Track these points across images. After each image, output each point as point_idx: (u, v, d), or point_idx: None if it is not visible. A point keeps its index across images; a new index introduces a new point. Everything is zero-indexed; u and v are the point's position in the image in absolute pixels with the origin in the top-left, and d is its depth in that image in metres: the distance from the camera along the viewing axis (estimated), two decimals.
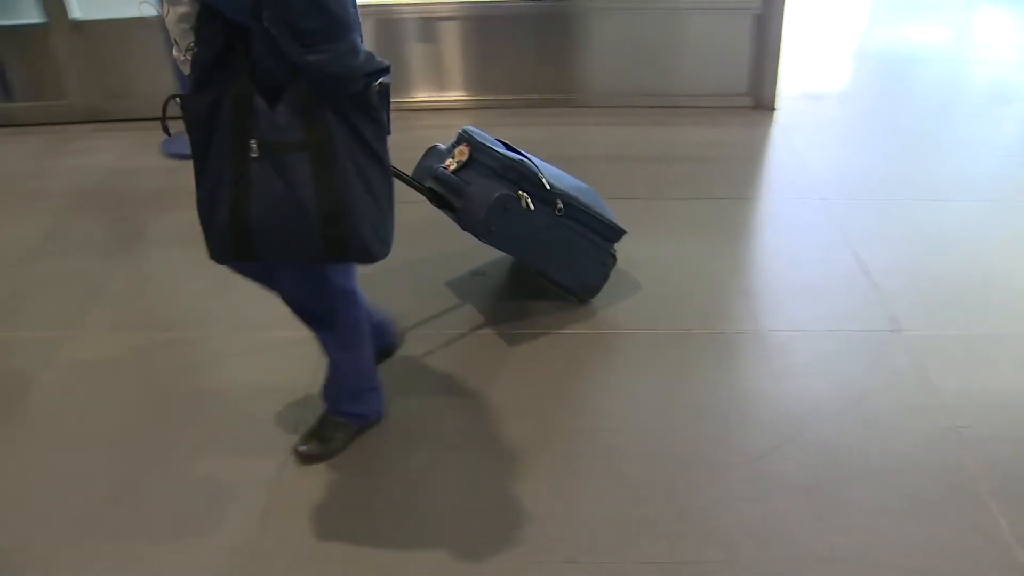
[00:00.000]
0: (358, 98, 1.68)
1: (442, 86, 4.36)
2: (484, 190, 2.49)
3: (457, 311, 2.77)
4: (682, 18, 4.14)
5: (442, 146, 2.74)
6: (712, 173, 3.65)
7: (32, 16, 4.09)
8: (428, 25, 4.24)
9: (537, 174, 2.55)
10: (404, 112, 4.26)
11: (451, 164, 2.62)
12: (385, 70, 1.71)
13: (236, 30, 1.60)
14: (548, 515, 2.05)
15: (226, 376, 2.51)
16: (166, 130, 1.77)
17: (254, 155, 1.65)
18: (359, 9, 1.68)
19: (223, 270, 1.91)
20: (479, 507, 2.09)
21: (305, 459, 2.20)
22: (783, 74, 4.16)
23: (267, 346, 2.61)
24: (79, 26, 4.08)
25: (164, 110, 1.72)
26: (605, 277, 2.81)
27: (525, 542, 1.98)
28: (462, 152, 2.62)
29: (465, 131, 2.69)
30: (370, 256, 1.80)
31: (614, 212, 2.83)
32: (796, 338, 2.63)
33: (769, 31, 4.07)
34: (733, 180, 3.60)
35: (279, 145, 1.66)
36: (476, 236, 2.52)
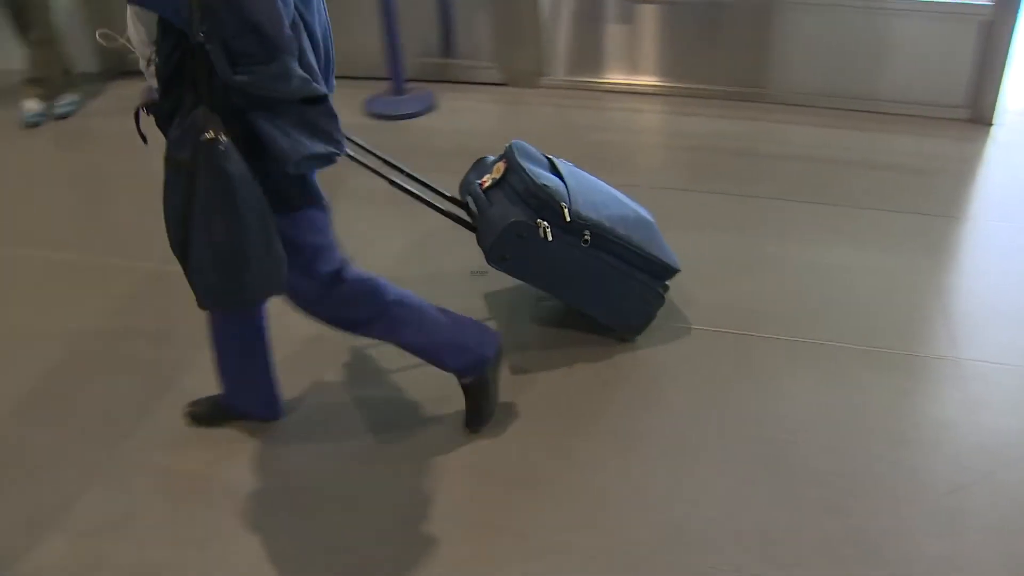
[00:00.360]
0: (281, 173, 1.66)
1: (636, 69, 4.30)
2: (501, 214, 2.31)
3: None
4: (896, 19, 3.89)
5: (490, 158, 2.57)
6: (915, 186, 3.42)
7: None
8: (627, 6, 4.19)
9: (560, 203, 2.31)
10: (596, 93, 4.24)
11: (487, 181, 2.45)
12: (321, 99, 1.64)
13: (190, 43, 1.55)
14: (712, 520, 2.00)
15: None
16: (143, 139, 1.75)
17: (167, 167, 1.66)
18: (304, 31, 1.63)
19: None
20: (650, 507, 2.07)
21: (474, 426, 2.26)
22: (1008, 88, 3.84)
23: None
24: None
25: (137, 119, 1.71)
26: (649, 316, 2.57)
27: (687, 546, 1.94)
28: (498, 169, 2.45)
29: (510, 146, 2.49)
30: (213, 302, 1.75)
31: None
32: (997, 370, 2.44)
33: (998, 40, 3.76)
34: (939, 195, 3.36)
35: (169, 160, 1.63)
36: (488, 263, 2.36)
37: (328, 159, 1.69)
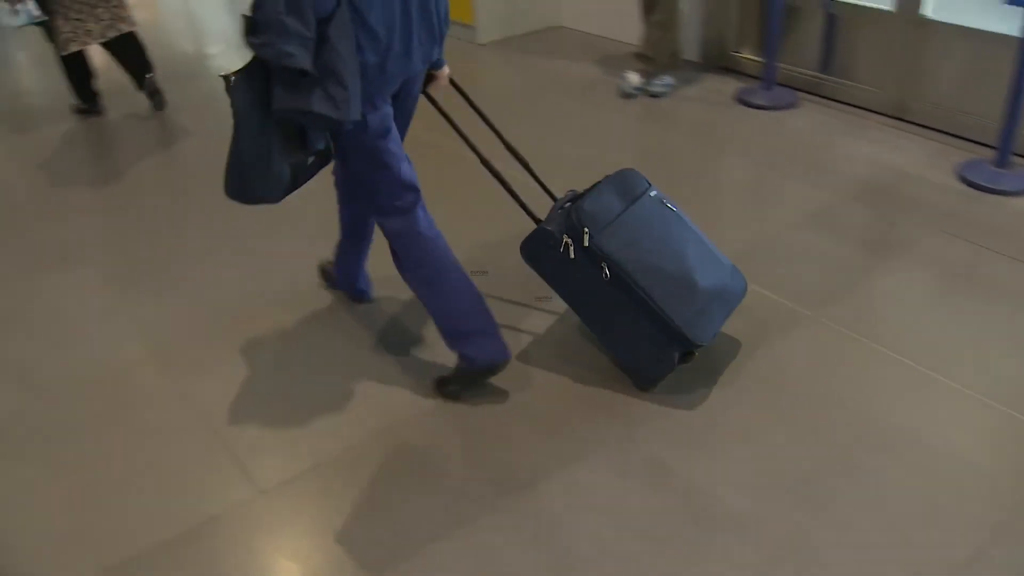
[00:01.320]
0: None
1: None
2: (547, 220, 2.45)
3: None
4: None
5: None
6: None
7: (883, 3, 4.13)
8: None
9: (584, 227, 2.33)
10: None
11: (580, 191, 2.53)
12: (296, 71, 1.95)
13: None
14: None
15: None
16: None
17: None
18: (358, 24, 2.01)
19: None
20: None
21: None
22: None
23: None
24: (925, 24, 4.01)
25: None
26: (657, 376, 2.44)
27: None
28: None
29: (618, 171, 2.57)
30: (228, 194, 2.19)
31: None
32: None
33: None
34: None
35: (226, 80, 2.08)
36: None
37: (297, 116, 2.03)
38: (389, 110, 2.24)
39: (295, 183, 2.21)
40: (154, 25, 6.49)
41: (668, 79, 4.48)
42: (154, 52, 4.71)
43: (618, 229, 2.39)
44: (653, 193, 2.55)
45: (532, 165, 2.70)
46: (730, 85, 4.53)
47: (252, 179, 2.16)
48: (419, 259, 2.38)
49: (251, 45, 1.99)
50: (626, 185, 2.52)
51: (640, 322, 2.37)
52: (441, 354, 2.56)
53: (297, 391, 2.55)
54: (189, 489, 2.23)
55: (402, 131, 2.44)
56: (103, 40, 4.38)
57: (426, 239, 2.36)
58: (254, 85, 2.05)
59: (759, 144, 3.93)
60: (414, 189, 2.33)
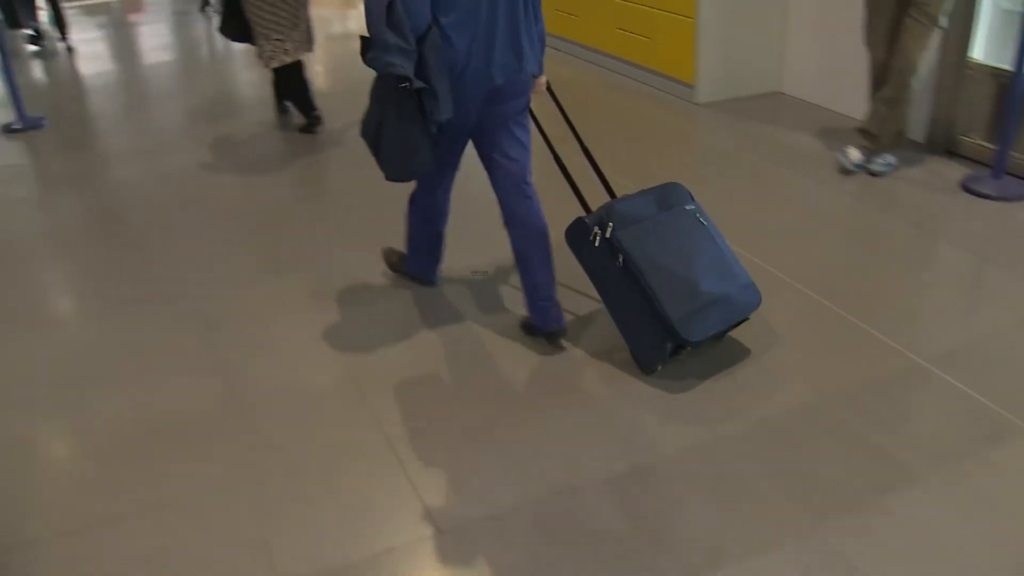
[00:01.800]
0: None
1: None
2: (589, 214, 2.93)
3: None
4: None
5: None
6: None
7: None
8: None
9: (609, 222, 2.79)
10: None
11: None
12: (399, 78, 2.55)
13: None
14: None
15: None
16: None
17: None
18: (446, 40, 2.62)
19: None
20: None
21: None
22: None
23: None
24: None
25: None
26: (650, 361, 2.84)
27: None
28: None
29: (668, 183, 3.03)
30: (399, 177, 2.80)
31: None
32: None
33: None
34: None
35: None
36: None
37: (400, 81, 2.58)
38: (469, 120, 2.84)
39: (435, 155, 2.81)
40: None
41: (890, 158, 4.40)
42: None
43: (641, 229, 2.82)
44: (689, 207, 2.94)
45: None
46: (955, 170, 4.39)
47: (391, 162, 2.75)
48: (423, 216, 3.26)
49: (365, 60, 2.62)
50: (667, 196, 2.96)
51: (643, 311, 2.77)
52: (636, 417, 2.68)
53: (486, 434, 2.66)
54: (370, 516, 2.35)
55: (515, 140, 2.95)
56: (295, 59, 5.17)
57: (436, 210, 3.23)
58: (383, 96, 2.68)
59: (982, 236, 3.79)
60: (449, 181, 3.13)
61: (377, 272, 3.64)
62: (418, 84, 2.57)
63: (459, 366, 3.03)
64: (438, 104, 2.62)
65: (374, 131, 2.72)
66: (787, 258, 3.59)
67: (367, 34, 2.57)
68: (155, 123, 6.20)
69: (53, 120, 6.15)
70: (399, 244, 3.56)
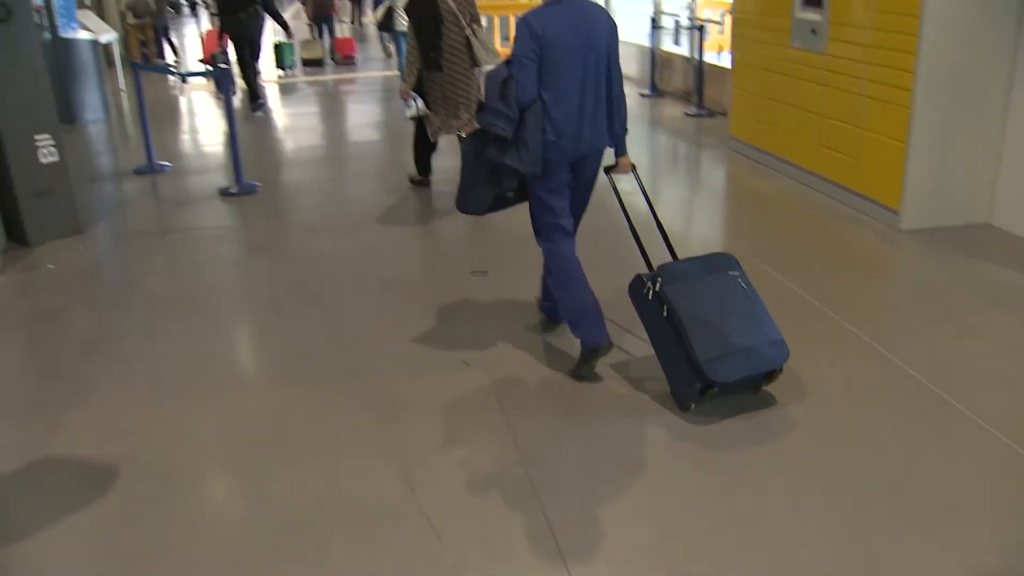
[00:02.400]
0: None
1: None
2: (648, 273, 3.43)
3: None
4: None
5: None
6: None
7: None
8: None
9: (658, 278, 3.29)
10: None
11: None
12: (497, 136, 3.34)
13: None
14: None
15: None
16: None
17: None
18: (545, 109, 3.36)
19: None
20: None
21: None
22: None
23: None
24: None
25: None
26: (685, 398, 3.27)
27: None
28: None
29: (725, 254, 3.58)
30: (458, 207, 3.71)
31: None
32: None
33: None
34: None
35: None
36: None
37: (499, 165, 3.40)
38: (563, 176, 3.49)
39: (494, 207, 3.65)
40: None
41: None
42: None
43: (686, 286, 3.29)
44: (733, 272, 3.38)
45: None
46: None
47: (466, 197, 3.61)
48: (558, 271, 3.61)
49: (478, 119, 3.37)
50: (715, 262, 3.46)
51: (679, 353, 3.23)
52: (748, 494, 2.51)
53: (624, 491, 2.83)
54: (502, 546, 2.54)
55: (579, 199, 3.66)
56: (459, 133, 5.87)
57: (564, 259, 3.57)
58: (477, 143, 3.44)
59: None
60: (563, 231, 3.56)
61: (563, 365, 3.67)
62: (504, 133, 3.29)
63: (636, 478, 2.98)
64: (528, 156, 3.31)
65: (463, 168, 3.57)
66: (989, 404, 3.30)
67: (484, 101, 3.35)
68: (357, 198, 6.62)
69: (265, 187, 6.65)
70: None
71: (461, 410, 3.38)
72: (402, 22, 8.53)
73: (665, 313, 3.25)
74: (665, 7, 10.19)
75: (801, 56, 6.25)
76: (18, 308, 4.57)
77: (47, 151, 5.31)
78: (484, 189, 3.52)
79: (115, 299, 4.71)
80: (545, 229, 3.57)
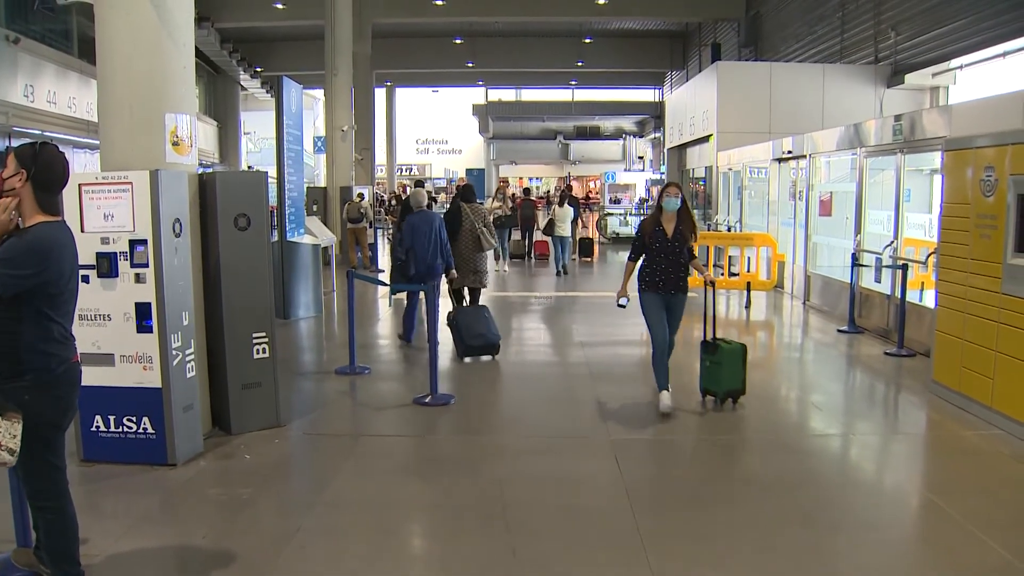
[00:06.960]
0: None
1: None
2: None
3: None
4: None
5: None
6: None
7: None
8: None
9: None
10: None
11: None
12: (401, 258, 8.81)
13: None
14: None
15: None
16: None
17: None
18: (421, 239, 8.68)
19: None
20: None
21: None
22: None
23: None
24: None
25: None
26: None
27: None
28: None
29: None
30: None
31: None
32: None
33: None
34: None
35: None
36: None
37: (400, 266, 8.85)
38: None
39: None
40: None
41: None
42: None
43: None
44: None
45: None
46: None
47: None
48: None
49: (394, 255, 9.16)
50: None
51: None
52: None
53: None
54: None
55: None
56: (468, 286, 9.15)
57: None
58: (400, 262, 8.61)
59: None
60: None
61: None
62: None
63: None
64: (415, 268, 8.26)
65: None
66: None
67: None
68: (558, 420, 6.40)
69: (459, 400, 6.72)
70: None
71: None
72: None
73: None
74: (867, 244, 10.01)
75: (1014, 303, 5.89)
76: (210, 495, 4.82)
77: (260, 348, 5.76)
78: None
79: (302, 500, 4.83)
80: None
